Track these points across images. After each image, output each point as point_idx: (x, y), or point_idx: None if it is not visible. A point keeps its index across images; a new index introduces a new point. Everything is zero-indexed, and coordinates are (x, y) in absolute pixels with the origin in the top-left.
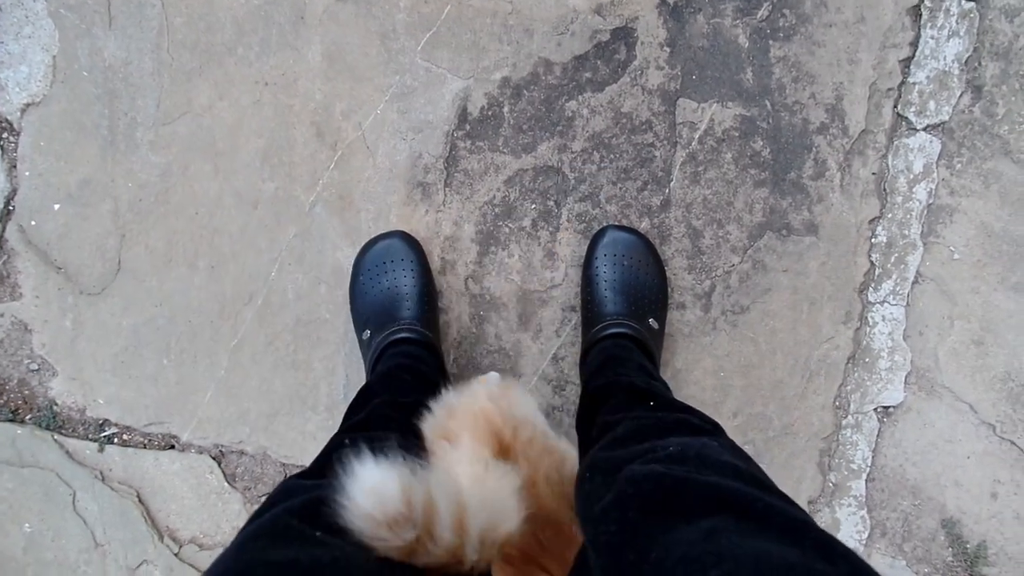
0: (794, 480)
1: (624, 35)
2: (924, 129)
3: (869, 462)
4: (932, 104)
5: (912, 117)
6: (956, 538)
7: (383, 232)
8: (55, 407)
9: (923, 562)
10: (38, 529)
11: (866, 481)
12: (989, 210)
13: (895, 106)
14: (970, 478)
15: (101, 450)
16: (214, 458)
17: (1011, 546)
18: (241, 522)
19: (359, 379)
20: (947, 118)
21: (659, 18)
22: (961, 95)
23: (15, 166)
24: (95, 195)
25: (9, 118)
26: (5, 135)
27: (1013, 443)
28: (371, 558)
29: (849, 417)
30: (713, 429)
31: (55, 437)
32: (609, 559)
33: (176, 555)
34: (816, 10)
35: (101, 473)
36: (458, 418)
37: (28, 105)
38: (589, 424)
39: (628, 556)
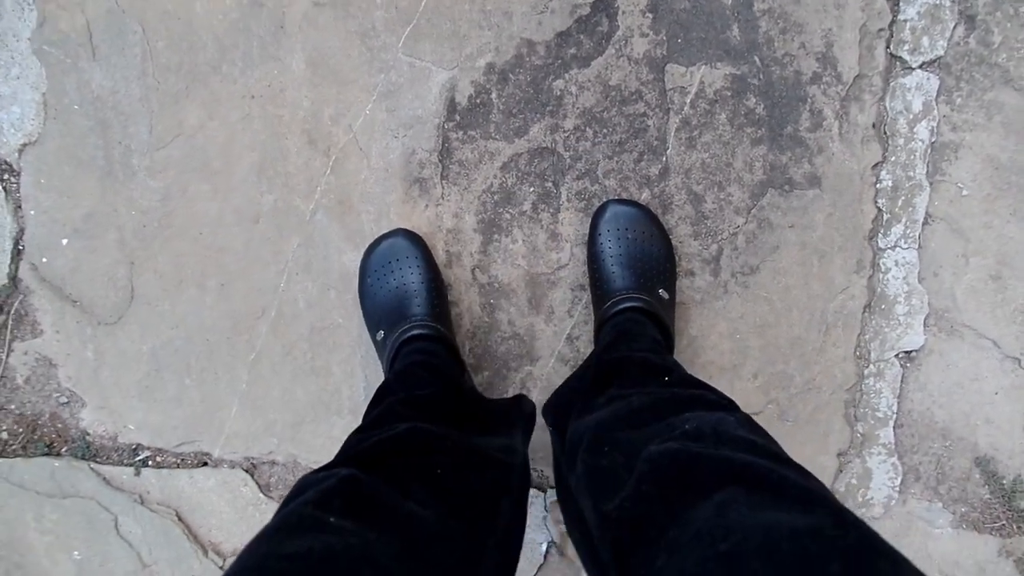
0: (821, 434)
1: (604, 6)
2: (920, 67)
3: (895, 409)
4: (925, 40)
5: (906, 56)
6: (991, 475)
7: (385, 232)
8: (88, 437)
9: (960, 502)
10: (86, 556)
11: (894, 428)
12: (994, 142)
13: (887, 46)
14: (1000, 414)
15: (137, 474)
16: (246, 471)
17: None
18: None
19: (378, 379)
20: (942, 53)
21: None
22: (955, 27)
23: (20, 206)
24: (100, 226)
25: (8, 160)
26: (6, 176)
27: None
28: (382, 541)
29: (871, 366)
30: (729, 404)
31: (91, 466)
32: (628, 534)
33: (221, 568)
34: None
35: (140, 496)
36: None
37: (25, 145)
38: (595, 394)
39: (648, 532)
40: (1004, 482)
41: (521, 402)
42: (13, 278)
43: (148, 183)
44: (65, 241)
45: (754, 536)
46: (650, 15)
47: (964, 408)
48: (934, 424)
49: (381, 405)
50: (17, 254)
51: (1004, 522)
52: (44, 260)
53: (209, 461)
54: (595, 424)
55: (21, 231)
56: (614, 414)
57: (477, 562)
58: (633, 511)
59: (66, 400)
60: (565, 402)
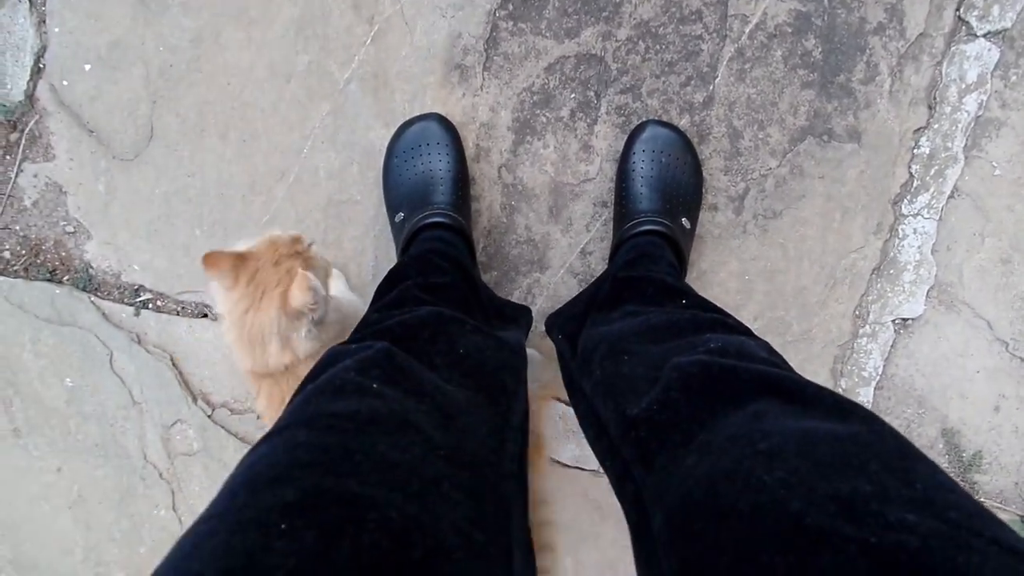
0: None
1: None
2: (984, 36)
3: (880, 371)
4: (996, 9)
5: (974, 22)
6: (954, 447)
7: (419, 114)
8: (91, 270)
9: None
10: (78, 384)
11: (875, 389)
12: None
13: (958, 8)
14: (976, 391)
15: (137, 314)
16: None
17: (1005, 456)
18: None
19: (388, 261)
20: (1010, 25)
21: None
22: None
23: (44, 21)
24: (126, 58)
25: None
26: None
27: None
28: (422, 409)
29: (867, 327)
30: (747, 330)
31: (92, 299)
32: (655, 436)
33: (209, 417)
34: None
35: (137, 336)
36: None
37: None
38: (610, 308)
39: (675, 436)
40: (964, 455)
41: (525, 311)
42: (30, 96)
43: (181, 20)
44: (88, 67)
45: (792, 438)
46: None
47: (944, 381)
48: (913, 391)
49: (397, 288)
50: (37, 72)
51: None
52: (64, 83)
53: (209, 313)
54: (612, 335)
55: (43, 48)
56: (632, 327)
57: (502, 440)
58: (660, 416)
59: (72, 230)
60: (580, 312)
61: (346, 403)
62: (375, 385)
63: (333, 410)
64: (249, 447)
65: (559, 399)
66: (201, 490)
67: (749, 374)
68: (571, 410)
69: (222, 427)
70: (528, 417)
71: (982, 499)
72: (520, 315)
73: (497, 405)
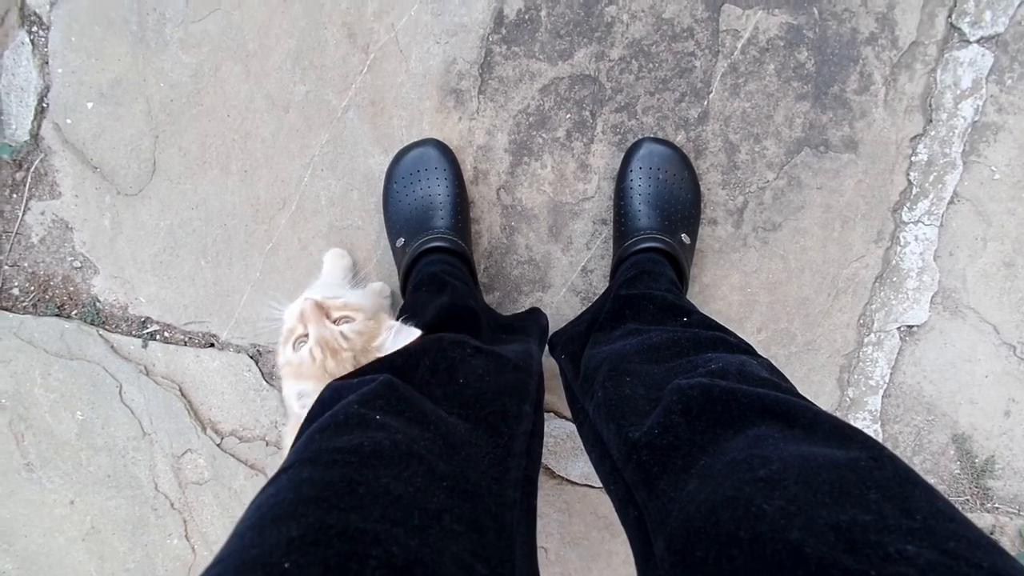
0: (812, 394)
1: None
2: (977, 41)
3: (887, 379)
4: (988, 14)
5: (966, 28)
6: (965, 453)
7: (416, 140)
8: (98, 304)
9: (930, 474)
10: (89, 417)
11: (882, 397)
12: None
13: (949, 16)
14: (985, 396)
15: (145, 346)
16: (252, 357)
17: (1018, 461)
18: (278, 417)
19: (390, 285)
20: (1003, 30)
21: None
22: (1020, 5)
23: (47, 62)
24: (127, 94)
25: (38, 11)
26: (35, 29)
27: None
28: (425, 439)
29: (872, 335)
30: (749, 348)
31: (100, 332)
32: (656, 460)
33: (218, 445)
34: None
35: (145, 368)
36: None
37: None
38: (611, 327)
39: (676, 460)
40: (976, 460)
41: (535, 313)
42: (35, 136)
43: (180, 56)
44: (91, 104)
45: (792, 465)
46: None
47: (953, 387)
48: (921, 398)
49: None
50: (41, 112)
51: (968, 497)
52: (68, 121)
53: (216, 343)
54: (613, 354)
55: (47, 88)
56: (632, 347)
57: (505, 467)
58: (661, 439)
59: (79, 265)
60: (581, 332)
61: (349, 437)
62: (378, 417)
63: (337, 445)
64: (258, 472)
65: (565, 417)
66: (212, 518)
67: (748, 397)
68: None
69: (231, 455)
70: (536, 435)
71: (996, 505)
72: (530, 324)
73: (498, 435)
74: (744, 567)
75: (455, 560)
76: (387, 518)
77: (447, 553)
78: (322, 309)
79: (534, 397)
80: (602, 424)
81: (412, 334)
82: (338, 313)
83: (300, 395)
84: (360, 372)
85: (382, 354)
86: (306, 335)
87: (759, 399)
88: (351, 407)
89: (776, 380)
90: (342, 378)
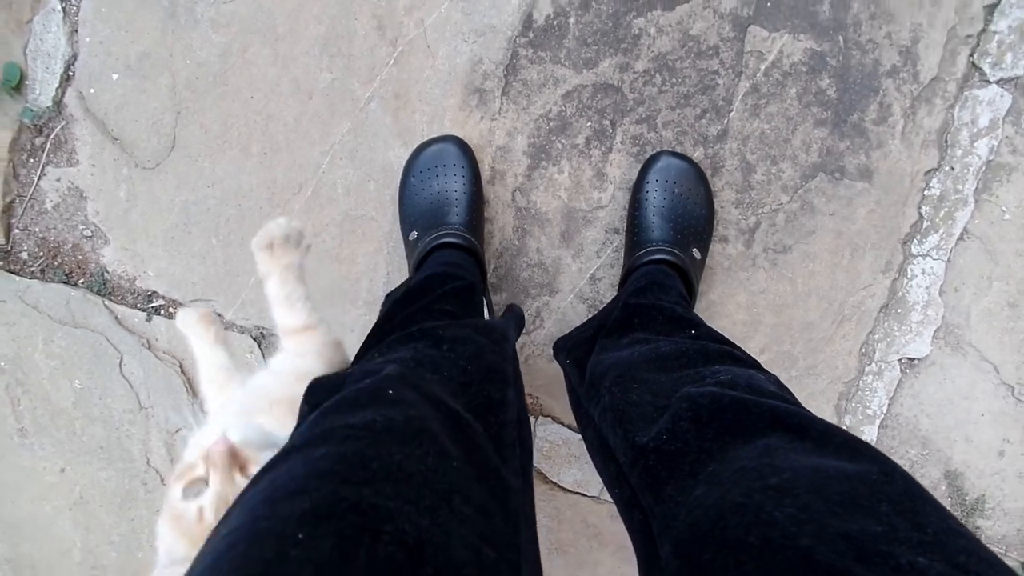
0: None
1: None
2: (997, 82)
3: (885, 409)
4: (1009, 56)
5: (987, 68)
6: (956, 489)
7: (437, 136)
8: (106, 274)
9: None
10: (87, 386)
11: (879, 427)
12: None
13: (971, 55)
14: (981, 435)
15: (149, 320)
16: (255, 339)
17: (1009, 502)
18: None
19: (400, 276)
20: (1022, 72)
21: None
22: None
23: (76, 30)
24: (154, 68)
25: None
26: None
27: None
28: (437, 418)
29: (873, 364)
30: (756, 363)
31: (106, 303)
32: (663, 465)
33: None
34: None
35: (148, 341)
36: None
37: None
38: (619, 335)
39: (683, 466)
40: (967, 498)
41: (510, 306)
42: (58, 103)
43: (210, 35)
44: (116, 76)
45: (803, 475)
46: None
47: (949, 422)
48: (917, 431)
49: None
50: (66, 79)
51: None
52: (92, 91)
53: (220, 322)
54: (620, 361)
55: (74, 56)
56: (641, 355)
57: (502, 456)
58: (669, 445)
59: (90, 234)
60: (587, 337)
61: (363, 414)
62: (391, 392)
63: (350, 421)
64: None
65: (562, 422)
66: None
67: (760, 408)
68: (574, 435)
69: None
70: (524, 423)
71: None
72: (505, 313)
73: (488, 425)
74: (753, 572)
75: (463, 542)
76: (399, 495)
77: (456, 535)
78: (236, 460)
79: (513, 382)
80: (608, 429)
81: None
82: (257, 469)
83: (170, 557)
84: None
85: None
86: (205, 482)
87: (770, 409)
88: (363, 385)
89: (784, 394)
90: (348, 371)
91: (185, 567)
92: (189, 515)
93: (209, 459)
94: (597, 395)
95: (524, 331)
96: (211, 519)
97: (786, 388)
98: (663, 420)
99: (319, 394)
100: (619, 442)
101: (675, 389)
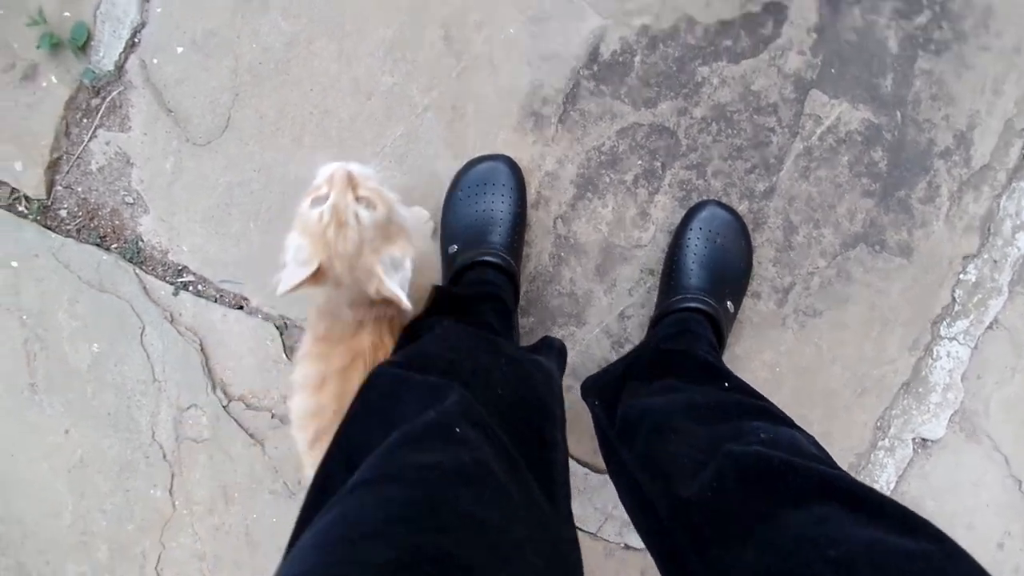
0: None
1: (775, 10)
2: None
3: (892, 486)
4: None
5: None
6: None
7: (489, 154)
8: (141, 243)
9: None
10: (104, 352)
11: None
12: None
13: None
14: (984, 524)
15: (176, 294)
16: (277, 328)
17: None
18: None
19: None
20: None
21: (815, 1)
22: None
23: (148, 0)
24: (219, 48)
25: None
26: None
27: None
28: (497, 457)
29: (886, 440)
30: (792, 423)
31: (136, 271)
32: (709, 523)
33: (224, 407)
34: (976, 29)
35: (171, 315)
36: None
37: None
38: (649, 379)
39: (731, 527)
40: None
41: (548, 339)
42: (120, 68)
43: (279, 23)
44: (180, 49)
45: (861, 548)
46: (815, 35)
47: (954, 508)
48: (921, 512)
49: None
50: (132, 46)
51: None
52: (155, 61)
53: (246, 306)
54: (655, 409)
55: (142, 24)
56: (675, 404)
57: (554, 501)
58: (714, 503)
59: (131, 201)
60: (616, 378)
61: (432, 453)
62: (458, 430)
63: (420, 461)
64: (257, 443)
65: (575, 458)
66: (202, 478)
67: (810, 473)
68: (578, 468)
69: (235, 420)
70: (567, 465)
71: None
72: (544, 348)
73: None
74: None
75: None
76: (476, 544)
77: None
78: (351, 181)
79: (562, 423)
80: (644, 476)
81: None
82: (365, 192)
83: (298, 258)
84: (411, 358)
85: (380, 273)
86: (326, 198)
87: (819, 475)
88: (430, 417)
89: (823, 457)
90: (390, 363)
91: (307, 269)
92: (312, 219)
93: (331, 179)
94: (631, 441)
95: None
96: (326, 220)
97: (824, 449)
98: (706, 474)
99: (368, 395)
100: (659, 492)
101: (713, 442)
